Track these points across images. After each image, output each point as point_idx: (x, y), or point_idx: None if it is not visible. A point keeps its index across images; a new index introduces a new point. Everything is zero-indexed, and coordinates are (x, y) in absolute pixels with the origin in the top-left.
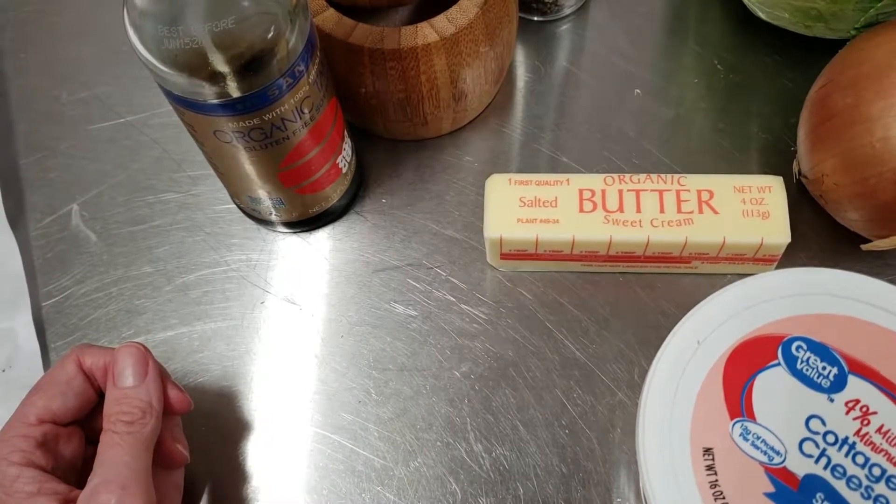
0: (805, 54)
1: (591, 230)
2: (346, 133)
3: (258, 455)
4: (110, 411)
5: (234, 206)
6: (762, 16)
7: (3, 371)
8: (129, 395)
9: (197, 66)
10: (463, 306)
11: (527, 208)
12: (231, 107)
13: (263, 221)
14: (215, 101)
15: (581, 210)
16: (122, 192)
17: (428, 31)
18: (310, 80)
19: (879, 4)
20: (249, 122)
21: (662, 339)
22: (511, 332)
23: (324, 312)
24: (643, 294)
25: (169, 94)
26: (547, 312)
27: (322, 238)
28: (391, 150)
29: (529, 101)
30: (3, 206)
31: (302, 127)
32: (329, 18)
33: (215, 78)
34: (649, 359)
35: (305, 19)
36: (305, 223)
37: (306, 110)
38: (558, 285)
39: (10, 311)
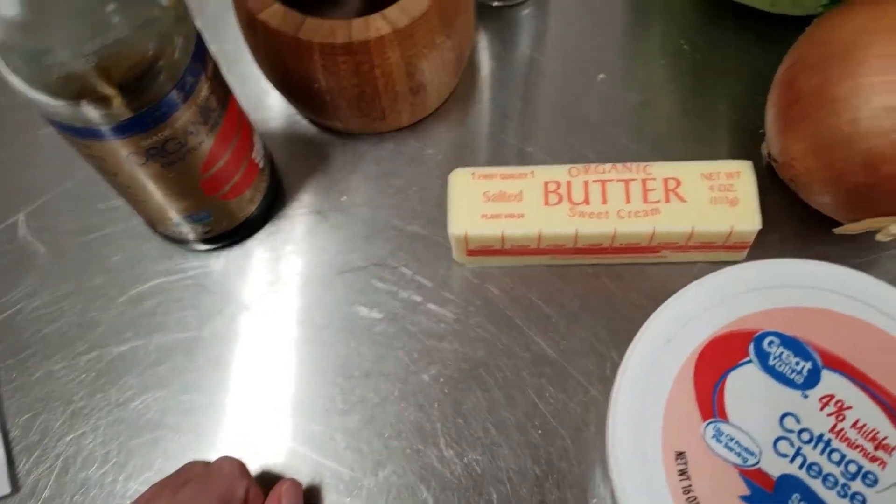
0: (772, 31)
1: (557, 224)
2: (252, 126)
3: None
4: None
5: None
6: None
7: None
8: None
9: (100, 87)
10: (430, 306)
11: (491, 203)
12: (140, 122)
13: (194, 241)
14: (126, 120)
15: (546, 203)
16: (70, 201)
17: (380, 23)
18: (209, 76)
19: None
20: (162, 134)
21: (633, 331)
22: (480, 331)
23: (285, 318)
24: (613, 286)
25: (74, 130)
26: (516, 309)
27: (281, 240)
28: (349, 145)
29: (492, 90)
30: None
31: (212, 127)
32: (275, 14)
33: (123, 95)
34: (620, 352)
35: (186, 16)
36: (236, 232)
37: (213, 106)
38: (527, 280)
39: None
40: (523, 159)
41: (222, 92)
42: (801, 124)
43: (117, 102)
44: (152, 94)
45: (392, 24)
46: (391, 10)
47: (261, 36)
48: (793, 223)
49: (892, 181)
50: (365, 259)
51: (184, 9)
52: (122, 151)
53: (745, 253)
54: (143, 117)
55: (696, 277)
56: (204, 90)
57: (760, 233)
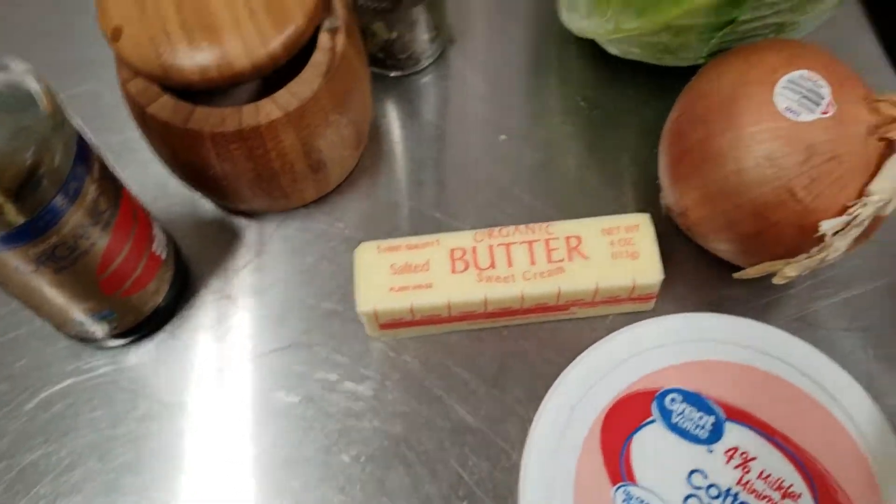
0: (664, 82)
1: (466, 291)
2: (152, 219)
3: None
4: None
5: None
6: (614, 52)
7: None
8: None
9: None
10: (347, 384)
11: (398, 275)
12: (25, 232)
13: (102, 339)
14: (9, 232)
15: (454, 271)
16: None
17: (271, 108)
18: (96, 177)
19: (720, 34)
20: (50, 241)
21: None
22: (399, 406)
23: (201, 410)
24: (528, 346)
25: None
26: (434, 378)
27: (192, 329)
28: (256, 226)
29: (398, 158)
30: None
31: (105, 226)
32: (165, 106)
33: (3, 206)
34: None
35: (64, 122)
36: (144, 325)
37: (103, 207)
38: (444, 347)
39: None
40: (433, 225)
41: (113, 189)
42: (690, 176)
43: (15, 206)
44: (35, 203)
45: (283, 108)
46: (281, 94)
47: (152, 128)
48: (698, 269)
49: (781, 227)
50: (279, 341)
51: (61, 115)
52: (10, 262)
53: (652, 302)
54: (28, 227)
55: (609, 330)
56: (91, 191)
57: (667, 280)
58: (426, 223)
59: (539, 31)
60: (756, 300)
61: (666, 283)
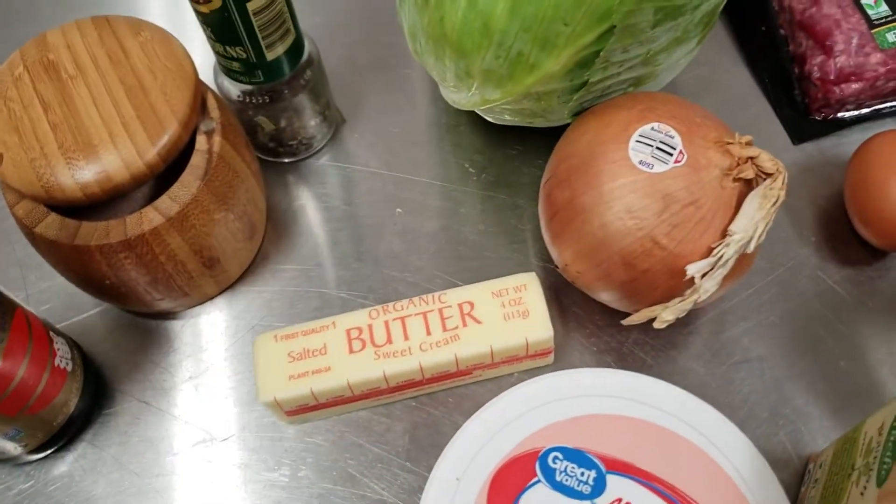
0: (544, 139)
1: (364, 369)
2: (51, 332)
3: None
4: None
5: None
6: (490, 120)
7: None
8: None
9: None
10: (263, 474)
11: (297, 362)
12: None
13: (18, 457)
14: None
15: (351, 351)
16: None
17: (153, 215)
18: None
19: (577, 95)
20: None
21: None
22: (315, 489)
23: None
24: (438, 413)
25: None
26: (347, 458)
27: (106, 436)
28: (164, 326)
29: (299, 242)
30: None
31: None
32: (51, 225)
33: None
34: None
35: None
36: (58, 438)
37: None
38: (355, 426)
39: None
40: (340, 305)
41: (0, 313)
42: (564, 234)
43: None
44: None
45: (164, 214)
46: (161, 200)
47: (42, 247)
48: (595, 316)
49: (652, 273)
50: (196, 437)
51: None
52: None
53: (551, 357)
54: None
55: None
56: None
57: (566, 332)
58: (332, 304)
59: (425, 103)
60: (655, 340)
61: (569, 335)
